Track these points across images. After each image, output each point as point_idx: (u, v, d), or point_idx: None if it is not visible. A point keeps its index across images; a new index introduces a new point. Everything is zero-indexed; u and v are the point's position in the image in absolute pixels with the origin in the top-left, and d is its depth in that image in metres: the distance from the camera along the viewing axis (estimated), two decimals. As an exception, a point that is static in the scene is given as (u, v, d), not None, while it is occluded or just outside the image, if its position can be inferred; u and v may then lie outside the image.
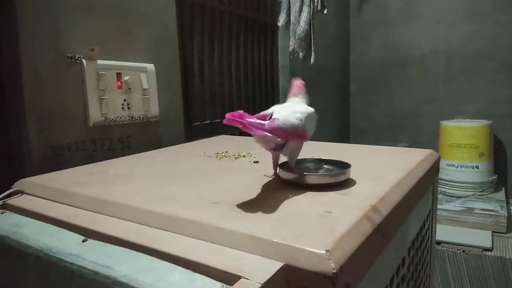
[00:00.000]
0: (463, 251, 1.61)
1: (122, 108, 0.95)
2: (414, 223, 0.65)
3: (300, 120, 0.59)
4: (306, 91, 0.68)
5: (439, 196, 2.03)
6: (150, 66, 1.03)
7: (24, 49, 0.74)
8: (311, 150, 0.93)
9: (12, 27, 0.73)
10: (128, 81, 0.95)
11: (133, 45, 0.99)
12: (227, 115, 0.50)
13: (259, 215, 0.46)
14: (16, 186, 0.64)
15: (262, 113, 0.60)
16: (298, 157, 0.62)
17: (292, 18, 1.46)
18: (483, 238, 1.65)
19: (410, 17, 2.51)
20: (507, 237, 1.68)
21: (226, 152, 0.92)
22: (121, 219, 0.49)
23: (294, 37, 1.45)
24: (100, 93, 0.89)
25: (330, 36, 2.34)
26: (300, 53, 1.48)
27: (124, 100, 0.95)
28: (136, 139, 1.00)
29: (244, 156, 0.84)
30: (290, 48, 1.49)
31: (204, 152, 0.89)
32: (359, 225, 0.43)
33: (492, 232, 1.71)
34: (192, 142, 1.08)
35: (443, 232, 1.69)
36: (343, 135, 2.65)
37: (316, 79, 2.13)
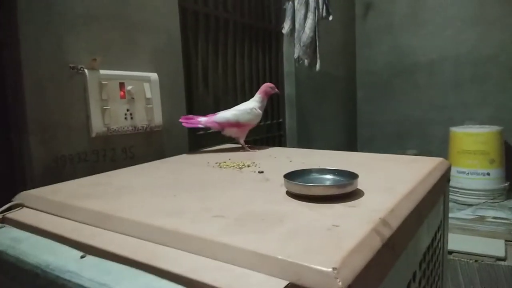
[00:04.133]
0: (476, 261, 1.57)
1: (125, 118, 0.94)
2: (425, 235, 0.63)
3: (234, 115, 1.04)
4: (264, 92, 1.09)
5: (450, 204, 1.99)
6: (154, 75, 1.02)
7: (26, 59, 0.74)
8: (316, 159, 0.91)
9: (14, 39, 0.73)
10: (131, 90, 0.95)
11: (137, 54, 0.98)
12: (181, 120, 1.03)
13: (264, 229, 0.44)
14: (16, 199, 0.63)
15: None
16: (304, 167, 0.65)
17: (297, 25, 1.45)
18: (496, 247, 1.61)
19: (416, 23, 2.49)
20: (521, 246, 1.64)
21: (230, 159, 0.90)
22: (121, 233, 0.48)
23: (299, 44, 1.44)
24: (103, 103, 0.88)
25: (336, 43, 2.33)
26: (305, 60, 1.47)
27: (127, 110, 0.94)
28: (139, 149, 0.99)
29: (248, 166, 0.82)
30: (295, 55, 1.48)
31: (208, 162, 0.88)
32: (368, 240, 0.41)
33: (505, 241, 1.67)
34: (195, 152, 1.06)
35: (455, 241, 1.65)
36: (350, 143, 2.63)
37: (322, 86, 2.12)
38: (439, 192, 0.71)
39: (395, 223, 0.47)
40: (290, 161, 0.87)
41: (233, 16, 1.48)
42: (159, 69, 1.04)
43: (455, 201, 2.05)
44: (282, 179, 0.59)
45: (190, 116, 1.07)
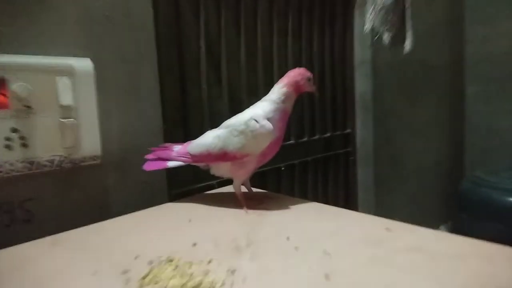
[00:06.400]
0: None
1: (7, 146, 0.48)
2: None
3: (217, 138, 0.55)
4: (294, 84, 0.56)
5: None
6: (83, 63, 0.55)
7: None
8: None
9: None
10: (22, 93, 0.49)
11: (44, 23, 0.52)
12: (147, 157, 0.59)
13: None
14: None
15: None
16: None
17: (370, -25, 0.86)
18: None
19: None
20: None
21: (194, 245, 0.39)
22: None
23: (374, 8, 0.85)
24: None
25: (434, 18, 1.65)
26: (386, 34, 0.87)
27: (14, 131, 0.49)
28: (46, 205, 0.53)
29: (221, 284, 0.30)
30: (368, 27, 0.88)
31: (137, 256, 0.38)
32: None
33: None
34: (154, 208, 0.57)
35: None
36: (455, 159, 1.91)
37: (414, 80, 1.47)
38: None
39: None
40: (327, 280, 0.32)
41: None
42: (98, 51, 0.57)
43: None
44: None
45: (165, 146, 0.62)
